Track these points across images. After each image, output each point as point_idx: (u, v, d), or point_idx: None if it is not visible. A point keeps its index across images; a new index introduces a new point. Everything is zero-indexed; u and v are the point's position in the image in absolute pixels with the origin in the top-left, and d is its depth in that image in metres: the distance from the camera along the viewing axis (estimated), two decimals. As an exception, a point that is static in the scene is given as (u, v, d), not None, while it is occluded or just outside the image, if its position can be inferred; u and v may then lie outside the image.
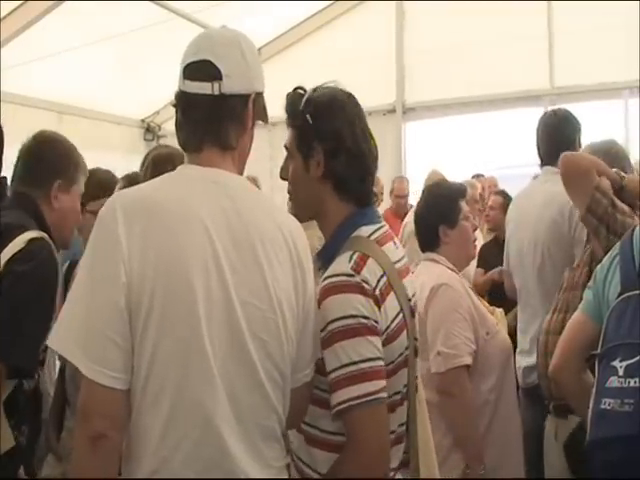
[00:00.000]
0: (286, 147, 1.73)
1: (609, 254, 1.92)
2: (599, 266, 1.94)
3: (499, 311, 2.76)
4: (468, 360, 2.40)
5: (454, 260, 2.60)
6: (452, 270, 2.56)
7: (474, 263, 5.01)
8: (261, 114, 1.55)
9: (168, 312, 1.30)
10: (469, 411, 2.40)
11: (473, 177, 5.79)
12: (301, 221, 1.68)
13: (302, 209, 1.75)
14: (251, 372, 1.37)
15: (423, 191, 2.89)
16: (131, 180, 2.53)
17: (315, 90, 1.70)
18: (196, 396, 1.31)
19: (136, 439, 1.33)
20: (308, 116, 1.64)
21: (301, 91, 1.71)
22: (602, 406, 1.59)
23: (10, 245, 1.83)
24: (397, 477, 1.63)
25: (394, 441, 1.62)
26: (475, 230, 2.78)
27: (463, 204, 2.63)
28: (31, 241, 1.87)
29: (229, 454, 1.33)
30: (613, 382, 1.59)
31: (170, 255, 1.31)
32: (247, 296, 1.37)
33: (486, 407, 2.45)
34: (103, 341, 1.27)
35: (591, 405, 1.65)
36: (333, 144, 1.65)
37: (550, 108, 6.33)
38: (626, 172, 2.57)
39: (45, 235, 1.97)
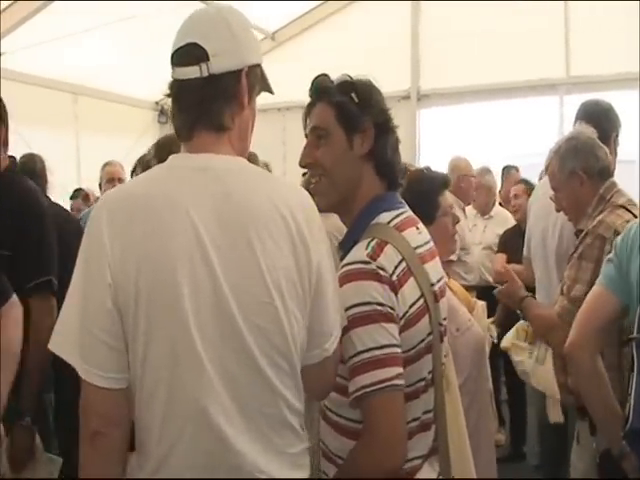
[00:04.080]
0: (316, 128, 1.66)
1: (629, 229, 1.83)
2: (620, 238, 1.86)
3: (480, 304, 2.67)
4: None
5: None
6: None
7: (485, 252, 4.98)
8: (262, 85, 1.49)
9: (153, 310, 1.29)
10: None
11: (505, 167, 5.82)
12: (332, 206, 1.67)
13: (336, 193, 1.66)
14: (248, 359, 1.33)
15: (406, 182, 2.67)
16: (144, 165, 2.50)
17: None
18: (189, 392, 1.30)
19: (140, 434, 1.36)
20: (354, 94, 1.62)
21: (326, 76, 1.68)
22: None
23: None
24: (425, 465, 1.61)
25: (419, 428, 1.60)
26: (457, 223, 2.61)
27: (442, 198, 2.47)
28: None
29: (230, 446, 1.31)
30: None
31: (153, 252, 1.29)
32: (238, 282, 1.32)
33: None
34: (95, 343, 1.29)
35: (633, 391, 1.58)
36: (383, 118, 1.65)
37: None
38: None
39: None
